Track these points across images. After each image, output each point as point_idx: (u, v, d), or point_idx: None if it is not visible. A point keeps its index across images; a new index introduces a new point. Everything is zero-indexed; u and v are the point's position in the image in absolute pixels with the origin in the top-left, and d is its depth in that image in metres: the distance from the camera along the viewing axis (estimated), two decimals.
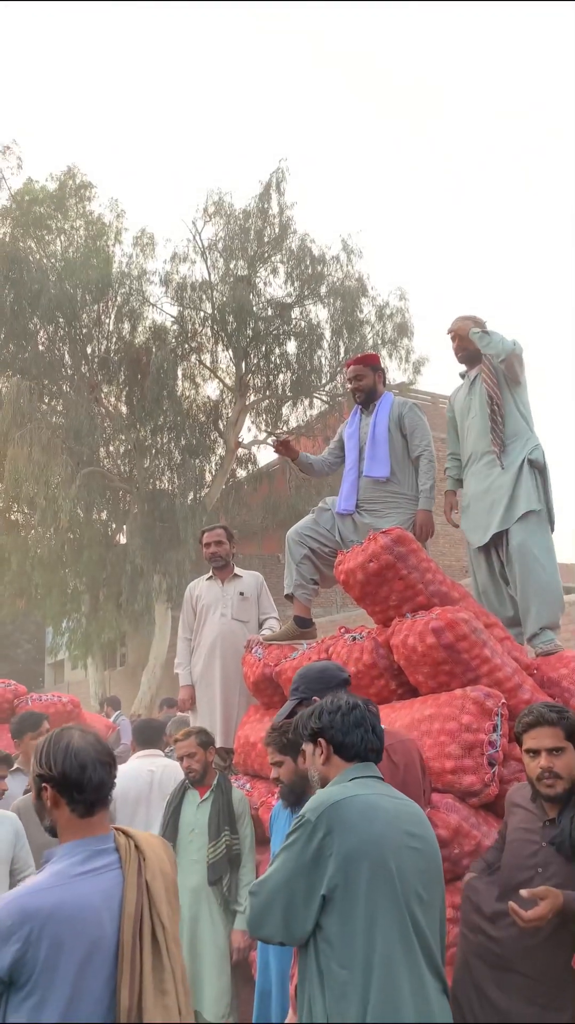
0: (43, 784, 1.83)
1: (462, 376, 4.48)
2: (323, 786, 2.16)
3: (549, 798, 2.52)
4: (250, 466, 19.49)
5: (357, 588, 3.68)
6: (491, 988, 2.46)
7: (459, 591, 3.71)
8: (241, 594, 4.93)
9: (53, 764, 1.83)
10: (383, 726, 2.79)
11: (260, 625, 4.88)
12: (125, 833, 1.91)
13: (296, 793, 3.00)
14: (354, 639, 3.75)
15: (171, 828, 3.73)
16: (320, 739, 2.19)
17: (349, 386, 4.75)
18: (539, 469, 4.14)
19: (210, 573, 5.09)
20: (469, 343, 4.29)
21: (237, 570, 5.04)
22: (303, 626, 4.53)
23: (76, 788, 1.81)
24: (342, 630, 3.92)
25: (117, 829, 1.90)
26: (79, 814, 1.82)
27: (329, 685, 2.69)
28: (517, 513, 4.07)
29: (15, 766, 4.29)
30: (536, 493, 4.11)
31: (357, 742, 2.15)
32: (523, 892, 2.40)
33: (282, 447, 4.73)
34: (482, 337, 4.20)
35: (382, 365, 4.85)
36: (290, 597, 4.57)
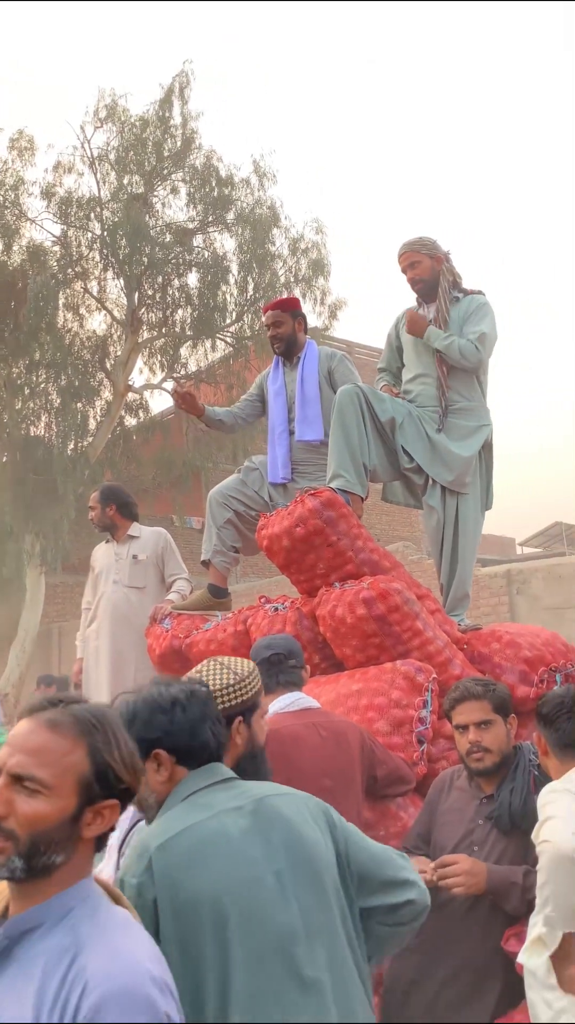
0: (114, 802, 1.42)
1: (419, 304, 4.47)
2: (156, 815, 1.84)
3: (479, 772, 2.76)
4: (141, 414, 19.24)
5: (282, 555, 3.81)
6: (419, 978, 2.69)
7: (390, 560, 3.90)
8: (134, 557, 4.98)
9: (135, 768, 1.47)
10: (317, 704, 2.97)
11: (168, 587, 4.95)
12: None
13: None
14: (276, 610, 3.90)
15: None
16: (158, 752, 1.83)
17: (268, 333, 4.79)
18: (488, 450, 4.38)
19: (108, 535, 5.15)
20: (426, 273, 4.34)
21: (135, 529, 5.08)
22: (218, 596, 4.63)
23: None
24: (262, 599, 4.05)
25: None
26: (98, 846, 1.45)
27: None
28: (466, 485, 4.29)
29: None
30: (482, 480, 4.38)
31: (209, 741, 1.85)
32: (443, 857, 2.63)
33: (184, 400, 4.66)
34: (442, 342, 4.22)
35: (302, 310, 4.89)
36: (206, 564, 4.66)
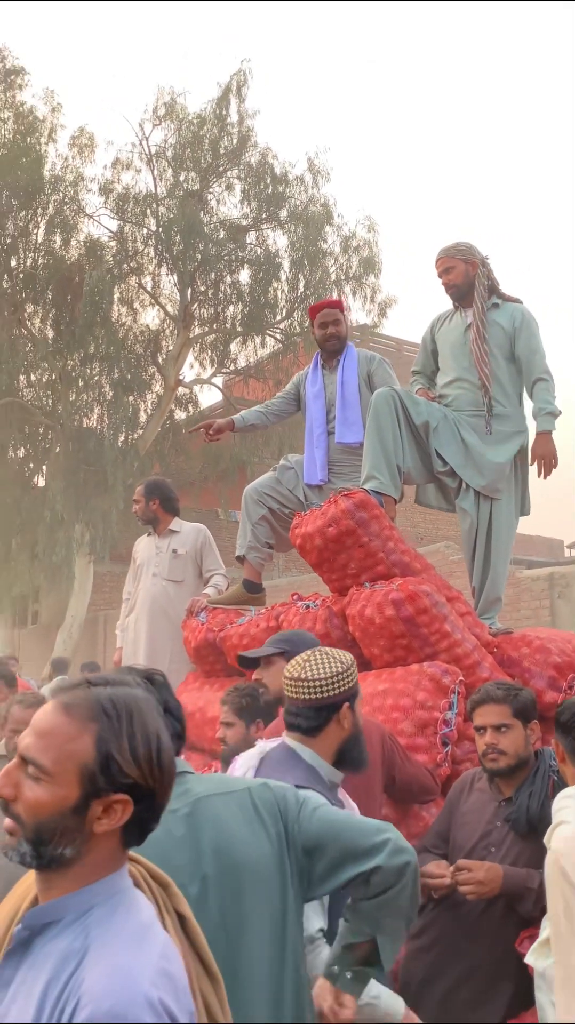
0: (123, 796, 1.25)
1: (455, 308, 4.48)
2: None
3: (494, 772, 2.78)
4: (191, 408, 19.48)
5: (314, 553, 3.85)
6: (433, 976, 2.71)
7: (421, 562, 3.91)
8: (174, 552, 5.07)
9: (165, 770, 1.30)
10: None
11: (205, 582, 5.03)
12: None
13: None
14: (307, 607, 3.94)
15: None
16: None
17: (321, 331, 4.72)
18: (523, 456, 4.36)
19: (151, 528, 5.24)
20: (459, 278, 4.37)
21: (175, 524, 5.17)
22: (252, 591, 4.69)
23: (158, 808, 1.31)
24: (295, 597, 4.10)
25: None
26: (126, 844, 1.31)
27: None
28: (499, 491, 4.29)
29: None
30: (517, 485, 4.37)
31: None
32: (459, 862, 2.66)
33: (212, 435, 4.91)
34: (553, 410, 4.22)
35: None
36: (241, 559, 4.72)
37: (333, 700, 2.20)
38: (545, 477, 4.25)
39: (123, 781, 1.23)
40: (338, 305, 4.84)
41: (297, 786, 2.07)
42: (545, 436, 4.19)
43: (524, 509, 4.43)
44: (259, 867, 1.73)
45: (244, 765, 2.41)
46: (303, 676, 2.22)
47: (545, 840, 2.28)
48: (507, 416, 4.27)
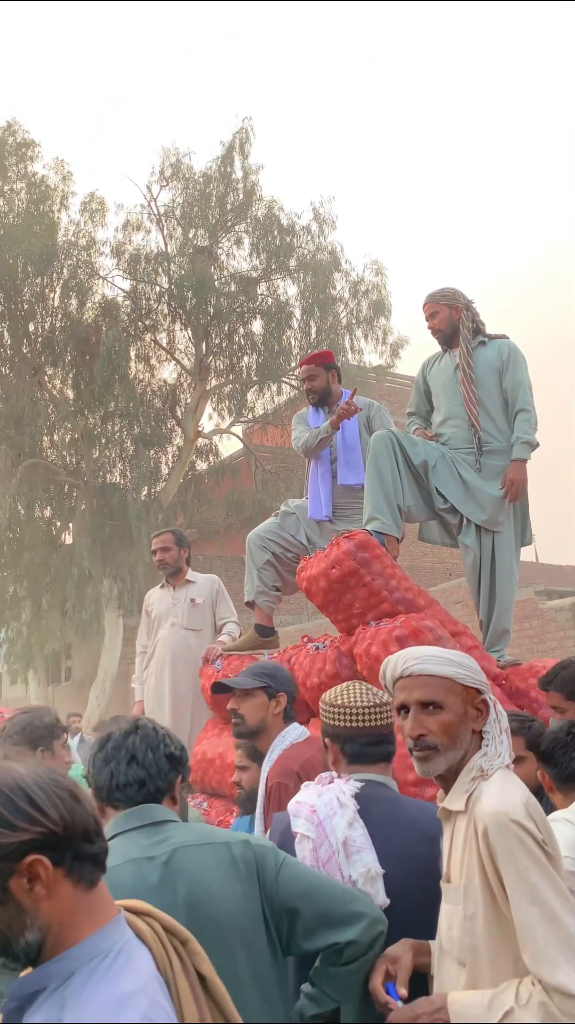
0: (31, 858, 1.18)
1: (443, 350, 4.64)
2: None
3: None
4: (211, 458, 19.76)
5: (319, 595, 3.95)
6: None
7: (425, 598, 4.00)
8: (192, 601, 5.19)
9: (51, 809, 1.21)
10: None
11: (219, 631, 5.14)
12: (134, 911, 1.36)
13: (254, 802, 3.27)
14: (317, 649, 4.02)
15: None
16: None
17: (303, 386, 5.00)
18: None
19: (164, 580, 5.36)
20: (443, 323, 4.53)
21: (191, 575, 5.30)
22: (264, 635, 4.78)
23: (84, 838, 1.24)
24: (305, 639, 4.19)
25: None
26: (87, 885, 1.24)
27: (292, 693, 3.00)
28: (499, 524, 4.38)
29: None
30: (517, 516, 4.46)
31: (105, 782, 1.90)
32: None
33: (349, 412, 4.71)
34: (530, 440, 4.33)
35: (336, 363, 5.08)
36: (251, 604, 4.83)
37: (391, 729, 2.31)
38: (511, 501, 4.36)
39: (16, 847, 1.17)
40: (315, 360, 4.97)
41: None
42: (519, 463, 4.33)
43: (526, 539, 4.51)
44: (233, 922, 1.73)
45: (343, 815, 2.17)
46: (380, 701, 2.30)
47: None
48: (501, 450, 4.38)
